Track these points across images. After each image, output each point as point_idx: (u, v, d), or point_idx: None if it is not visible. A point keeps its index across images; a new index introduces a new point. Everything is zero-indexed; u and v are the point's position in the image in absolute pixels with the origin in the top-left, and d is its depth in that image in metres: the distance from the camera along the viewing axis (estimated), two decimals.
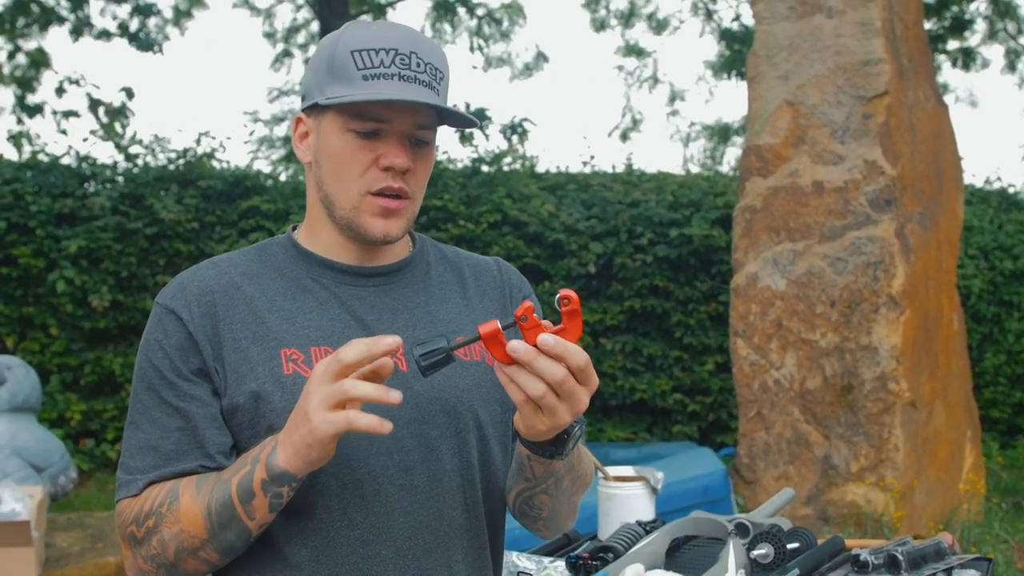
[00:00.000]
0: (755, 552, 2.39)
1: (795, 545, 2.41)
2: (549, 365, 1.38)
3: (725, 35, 17.92)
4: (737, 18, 17.36)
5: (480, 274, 1.84)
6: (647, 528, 2.61)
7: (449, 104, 1.65)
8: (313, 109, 1.64)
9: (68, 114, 12.40)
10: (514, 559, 2.56)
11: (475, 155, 10.25)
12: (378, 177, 1.61)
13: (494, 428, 1.75)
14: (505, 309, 1.82)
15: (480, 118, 11.46)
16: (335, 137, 1.61)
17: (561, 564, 2.52)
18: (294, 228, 1.77)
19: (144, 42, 13.64)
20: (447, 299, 1.76)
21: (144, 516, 1.55)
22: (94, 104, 12.12)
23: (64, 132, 9.95)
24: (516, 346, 1.38)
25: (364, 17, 17.04)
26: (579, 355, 1.40)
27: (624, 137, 23.55)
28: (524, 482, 1.67)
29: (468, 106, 11.48)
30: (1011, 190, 12.00)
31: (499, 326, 1.41)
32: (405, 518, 1.62)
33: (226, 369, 1.59)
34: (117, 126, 9.77)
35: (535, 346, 1.39)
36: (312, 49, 20.00)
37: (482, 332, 1.41)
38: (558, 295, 1.42)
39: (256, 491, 1.48)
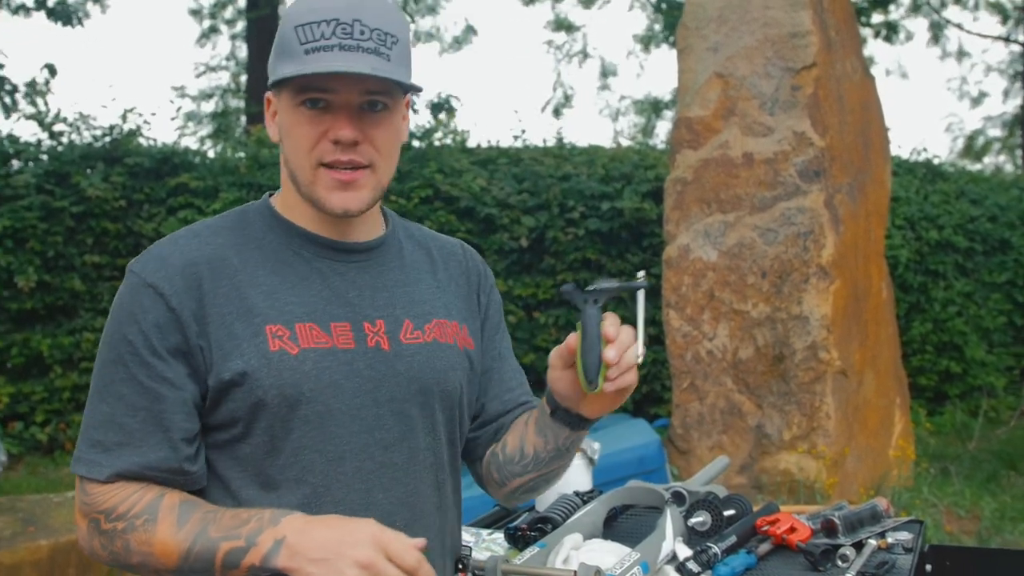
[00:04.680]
0: (692, 520, 2.42)
1: (731, 512, 2.44)
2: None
3: (657, 7, 17.93)
4: None
5: (447, 257, 1.87)
6: (584, 498, 2.62)
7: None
8: (273, 88, 1.65)
9: None
10: None
11: None
12: (327, 149, 1.60)
13: (468, 408, 1.81)
14: (470, 296, 1.86)
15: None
16: (289, 113, 1.61)
17: (500, 536, 2.52)
18: (270, 194, 1.76)
19: (63, 15, 13.29)
20: (420, 279, 1.78)
21: (115, 516, 1.55)
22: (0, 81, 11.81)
23: None
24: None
25: None
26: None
27: (557, 113, 23.58)
28: (535, 470, 1.79)
29: None
30: (936, 161, 12.18)
31: None
32: (384, 495, 1.65)
33: (211, 346, 1.57)
34: (39, 103, 9.51)
35: None
36: (240, 25, 19.78)
37: None
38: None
39: (242, 568, 1.49)
